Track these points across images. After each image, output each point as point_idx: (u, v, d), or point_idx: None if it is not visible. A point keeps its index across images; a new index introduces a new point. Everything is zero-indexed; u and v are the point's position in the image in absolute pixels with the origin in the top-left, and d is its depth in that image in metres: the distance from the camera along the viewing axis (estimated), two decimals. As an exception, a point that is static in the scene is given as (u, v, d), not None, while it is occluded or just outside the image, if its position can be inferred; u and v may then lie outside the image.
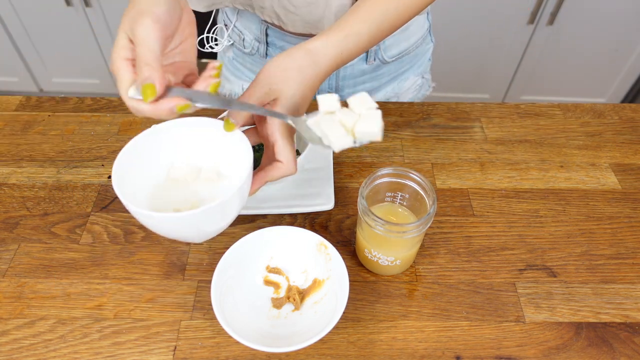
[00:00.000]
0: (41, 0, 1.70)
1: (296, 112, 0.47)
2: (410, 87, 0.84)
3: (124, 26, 0.40)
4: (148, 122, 0.71)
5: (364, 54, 0.75)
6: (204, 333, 0.49)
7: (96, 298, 0.51)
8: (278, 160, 0.46)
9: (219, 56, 0.88)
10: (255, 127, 0.50)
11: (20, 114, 0.72)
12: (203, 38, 0.78)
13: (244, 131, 0.47)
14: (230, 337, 0.43)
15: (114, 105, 0.74)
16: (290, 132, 0.47)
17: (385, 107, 0.74)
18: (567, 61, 1.78)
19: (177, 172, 0.48)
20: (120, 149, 0.66)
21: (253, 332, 0.46)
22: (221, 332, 0.48)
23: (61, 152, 0.67)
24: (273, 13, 0.66)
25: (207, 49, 0.79)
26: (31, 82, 2.00)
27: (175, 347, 0.48)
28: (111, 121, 0.71)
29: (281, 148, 0.45)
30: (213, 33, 0.78)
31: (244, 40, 0.77)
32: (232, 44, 0.80)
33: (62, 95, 0.75)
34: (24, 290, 0.52)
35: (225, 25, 0.78)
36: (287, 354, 0.47)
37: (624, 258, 0.56)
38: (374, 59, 0.76)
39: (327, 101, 0.43)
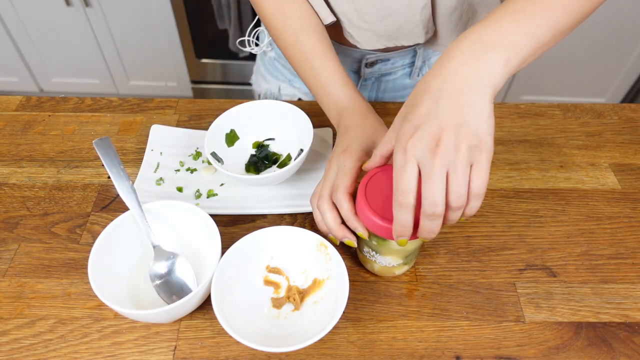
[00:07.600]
0: (41, 0, 1.70)
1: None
2: None
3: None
4: (148, 122, 0.71)
5: (409, 69, 0.75)
6: (204, 333, 0.49)
7: (96, 298, 0.51)
8: None
9: (259, 56, 0.87)
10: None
11: (20, 114, 0.72)
12: (244, 40, 0.78)
13: None
14: (230, 337, 0.43)
15: (114, 105, 0.74)
16: None
17: (386, 107, 0.74)
18: (567, 61, 1.78)
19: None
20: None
21: (253, 332, 0.46)
22: (221, 332, 0.48)
23: (61, 152, 0.67)
24: (348, 34, 0.66)
25: (246, 50, 0.79)
26: (31, 82, 2.00)
27: (175, 347, 0.48)
28: (111, 121, 0.71)
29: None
30: (254, 36, 0.78)
31: None
32: (273, 49, 0.79)
33: (62, 95, 0.75)
34: (24, 290, 0.52)
35: None
36: (287, 354, 0.47)
37: (623, 258, 0.56)
38: (418, 75, 0.75)
39: None
